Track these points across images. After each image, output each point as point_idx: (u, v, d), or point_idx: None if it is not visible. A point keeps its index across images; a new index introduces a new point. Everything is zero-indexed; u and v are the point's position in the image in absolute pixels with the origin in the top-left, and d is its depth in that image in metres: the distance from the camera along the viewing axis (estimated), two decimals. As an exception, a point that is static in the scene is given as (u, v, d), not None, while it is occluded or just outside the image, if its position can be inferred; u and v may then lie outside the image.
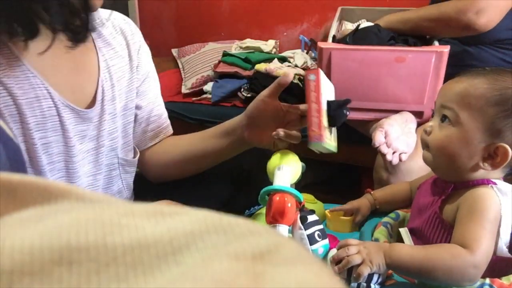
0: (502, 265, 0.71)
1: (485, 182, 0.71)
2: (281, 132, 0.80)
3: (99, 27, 0.85)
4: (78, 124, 0.82)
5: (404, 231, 0.80)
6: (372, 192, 0.93)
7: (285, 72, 0.91)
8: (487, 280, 0.68)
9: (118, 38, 0.90)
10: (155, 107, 0.99)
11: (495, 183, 0.71)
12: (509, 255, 0.70)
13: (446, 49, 1.17)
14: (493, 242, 0.67)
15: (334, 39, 1.33)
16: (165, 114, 1.03)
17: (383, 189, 0.97)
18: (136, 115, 0.96)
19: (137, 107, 0.95)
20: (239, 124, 0.92)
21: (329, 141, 0.76)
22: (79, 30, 0.74)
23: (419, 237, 0.78)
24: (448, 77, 1.23)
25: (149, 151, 1.01)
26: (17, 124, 0.74)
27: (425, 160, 0.77)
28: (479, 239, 0.65)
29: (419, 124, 1.21)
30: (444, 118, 0.73)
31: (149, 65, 0.97)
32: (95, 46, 0.86)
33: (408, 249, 0.69)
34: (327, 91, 0.81)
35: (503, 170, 0.72)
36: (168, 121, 1.04)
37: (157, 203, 0.83)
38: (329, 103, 0.78)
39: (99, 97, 0.84)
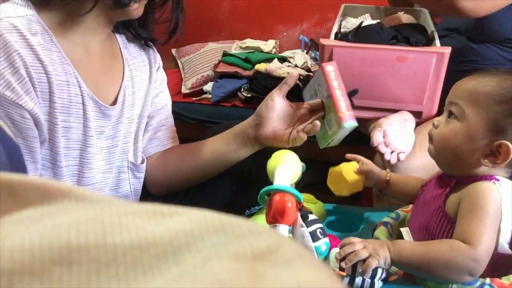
0: (503, 263, 0.71)
1: (488, 178, 0.71)
2: (302, 126, 0.87)
3: (127, 43, 0.96)
4: (99, 118, 0.87)
5: (405, 231, 0.80)
6: (388, 170, 0.94)
7: (291, 72, 0.94)
8: (487, 280, 0.68)
9: (143, 55, 0.99)
10: (164, 119, 1.04)
11: (497, 180, 0.71)
12: (510, 251, 0.70)
13: (447, 50, 1.17)
14: (494, 237, 0.68)
15: (337, 36, 1.33)
16: (173, 128, 1.07)
17: (399, 174, 0.97)
18: (146, 124, 1.01)
19: (149, 116, 1.01)
20: (249, 126, 0.93)
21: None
22: None
23: (423, 232, 0.78)
24: (450, 72, 1.23)
25: (155, 161, 1.02)
26: (46, 102, 0.78)
27: (429, 153, 0.79)
28: (480, 234, 0.66)
29: (417, 124, 1.21)
30: (450, 114, 0.74)
31: (164, 82, 1.06)
32: (122, 56, 0.94)
33: (410, 244, 0.70)
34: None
35: (506, 170, 0.73)
36: (176, 135, 1.07)
37: None
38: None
39: (120, 99, 0.91)
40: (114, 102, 0.90)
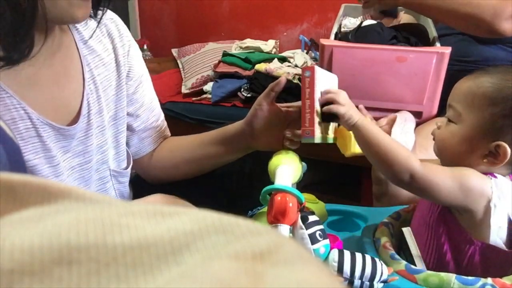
0: (496, 260, 0.72)
1: (485, 173, 0.72)
2: (287, 133, 0.83)
3: (83, 29, 0.80)
4: (60, 141, 0.77)
5: (406, 230, 0.80)
6: None
7: (281, 77, 0.90)
8: (489, 280, 0.68)
9: (104, 41, 0.83)
10: (152, 113, 0.96)
11: (495, 177, 0.71)
12: (503, 246, 0.71)
13: (447, 50, 1.17)
14: (444, 189, 0.70)
15: (337, 36, 1.34)
16: (161, 117, 1.00)
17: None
18: (131, 125, 0.92)
19: (133, 116, 0.91)
20: (241, 132, 0.90)
21: (322, 134, 0.80)
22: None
23: (423, 228, 0.79)
24: (451, 72, 1.23)
25: (148, 155, 0.99)
26: (19, 123, 0.69)
27: (434, 151, 0.80)
28: (436, 169, 0.70)
29: (417, 124, 1.21)
30: (448, 117, 0.76)
31: (141, 68, 0.91)
32: (79, 53, 0.79)
33: (377, 130, 0.74)
34: (326, 86, 0.82)
35: (507, 167, 0.72)
36: (165, 124, 1.02)
37: (152, 196, 0.82)
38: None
39: (84, 112, 0.79)
40: (78, 115, 0.78)
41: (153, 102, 0.97)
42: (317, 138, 0.78)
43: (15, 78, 0.69)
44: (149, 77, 0.95)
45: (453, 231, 0.73)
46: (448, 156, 0.75)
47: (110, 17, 0.85)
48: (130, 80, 0.88)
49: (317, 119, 0.78)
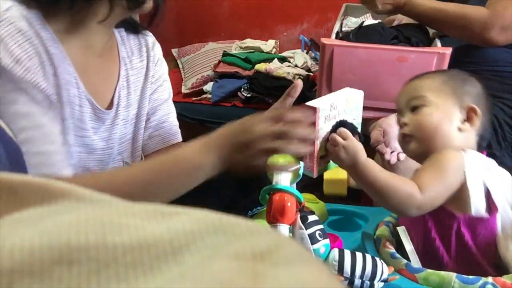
0: (482, 230, 0.75)
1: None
2: None
3: (124, 39, 0.93)
4: (93, 120, 0.85)
5: (401, 229, 0.81)
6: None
7: (297, 80, 0.88)
8: (490, 279, 0.68)
9: (141, 50, 0.96)
10: (165, 115, 1.01)
11: (465, 151, 0.78)
12: (485, 214, 0.74)
13: (448, 50, 1.17)
14: (445, 192, 0.74)
15: (338, 36, 1.34)
16: (175, 123, 1.04)
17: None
18: (145, 121, 0.98)
19: (148, 114, 0.98)
20: None
21: (323, 166, 0.82)
22: None
23: (409, 222, 0.82)
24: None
25: (154, 154, 1.00)
26: (55, 96, 0.77)
27: (412, 151, 0.83)
28: (431, 185, 0.73)
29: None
30: (414, 108, 0.82)
31: (165, 76, 1.02)
32: (119, 55, 0.91)
33: (377, 169, 0.74)
34: (345, 112, 0.80)
35: (476, 137, 0.82)
36: (178, 130, 1.05)
37: None
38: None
39: (115, 101, 0.89)
40: (110, 105, 0.89)
41: (170, 107, 1.02)
42: (317, 173, 0.80)
43: (72, 56, 0.80)
44: (170, 86, 1.03)
45: (436, 212, 0.76)
46: (431, 138, 0.80)
47: (147, 33, 0.99)
48: (152, 84, 0.98)
49: (319, 155, 0.78)
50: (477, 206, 0.74)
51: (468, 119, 0.81)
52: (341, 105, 0.79)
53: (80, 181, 0.73)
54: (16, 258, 0.15)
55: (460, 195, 0.74)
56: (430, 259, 0.77)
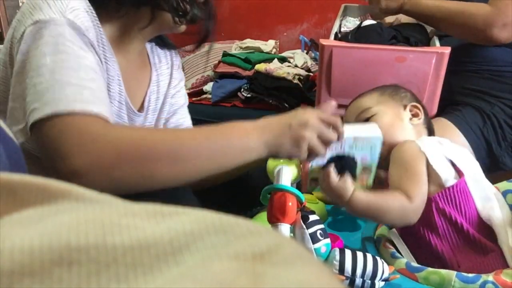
0: (461, 199, 0.78)
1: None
2: None
3: (153, 47, 0.96)
4: (127, 120, 0.87)
5: (392, 233, 0.83)
6: None
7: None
8: (490, 278, 0.68)
9: (166, 57, 1.00)
10: (182, 119, 1.04)
11: (418, 139, 0.85)
12: (455, 180, 0.79)
13: (447, 50, 1.16)
14: (426, 184, 0.78)
15: (337, 37, 1.33)
16: (187, 124, 1.07)
17: None
18: (162, 124, 1.01)
19: (166, 117, 1.01)
20: None
21: (313, 188, 0.90)
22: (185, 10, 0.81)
23: None
24: (453, 72, 1.23)
25: None
26: (115, 85, 0.81)
27: (381, 155, 0.85)
28: (414, 188, 0.77)
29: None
30: (365, 119, 0.90)
31: (182, 82, 1.05)
32: (149, 61, 0.95)
33: (364, 200, 0.76)
34: (347, 149, 0.81)
35: (425, 126, 0.92)
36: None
37: None
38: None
39: (145, 105, 0.92)
40: (141, 108, 0.91)
41: (184, 111, 1.06)
42: (306, 190, 0.86)
43: (120, 54, 0.82)
44: (185, 91, 1.07)
45: None
46: (390, 132, 0.86)
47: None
48: (173, 88, 1.01)
49: (309, 176, 0.84)
50: (447, 176, 0.79)
51: (414, 115, 0.91)
52: (348, 140, 0.79)
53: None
54: (16, 259, 0.15)
55: (428, 177, 0.79)
56: (425, 253, 0.78)
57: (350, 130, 0.79)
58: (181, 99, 1.04)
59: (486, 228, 0.77)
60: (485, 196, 0.79)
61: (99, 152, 0.62)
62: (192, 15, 0.83)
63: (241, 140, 0.71)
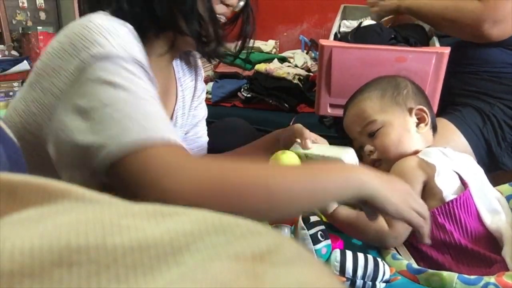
0: (461, 214, 0.77)
1: (417, 152, 0.85)
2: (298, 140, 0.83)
3: (177, 59, 0.94)
4: None
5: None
6: None
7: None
8: (492, 279, 0.68)
9: (190, 69, 0.98)
10: (202, 131, 1.04)
11: (419, 152, 0.84)
12: (458, 193, 0.78)
13: (446, 50, 1.16)
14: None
15: (336, 37, 1.33)
16: (204, 138, 1.05)
17: None
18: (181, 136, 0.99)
19: (187, 129, 1.01)
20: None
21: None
22: (209, 40, 0.78)
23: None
24: (453, 73, 1.22)
25: None
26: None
27: (384, 170, 0.82)
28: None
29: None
30: (371, 134, 0.88)
31: (204, 94, 1.04)
32: (175, 76, 0.93)
33: (344, 214, 0.79)
34: None
35: (431, 126, 0.90)
36: (206, 145, 1.05)
37: None
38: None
39: (173, 121, 0.92)
40: None
41: (203, 122, 1.05)
42: None
43: (156, 75, 0.80)
44: (206, 112, 1.06)
45: None
46: (398, 147, 0.86)
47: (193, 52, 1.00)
48: (196, 101, 1.00)
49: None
50: (449, 192, 0.78)
51: (420, 119, 0.89)
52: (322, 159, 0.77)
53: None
54: (16, 260, 0.15)
55: (429, 192, 0.78)
56: (428, 263, 0.78)
57: (327, 151, 0.77)
58: (202, 111, 1.04)
59: (490, 240, 0.76)
60: (492, 210, 0.78)
61: (199, 181, 0.56)
62: (215, 47, 0.80)
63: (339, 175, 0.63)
